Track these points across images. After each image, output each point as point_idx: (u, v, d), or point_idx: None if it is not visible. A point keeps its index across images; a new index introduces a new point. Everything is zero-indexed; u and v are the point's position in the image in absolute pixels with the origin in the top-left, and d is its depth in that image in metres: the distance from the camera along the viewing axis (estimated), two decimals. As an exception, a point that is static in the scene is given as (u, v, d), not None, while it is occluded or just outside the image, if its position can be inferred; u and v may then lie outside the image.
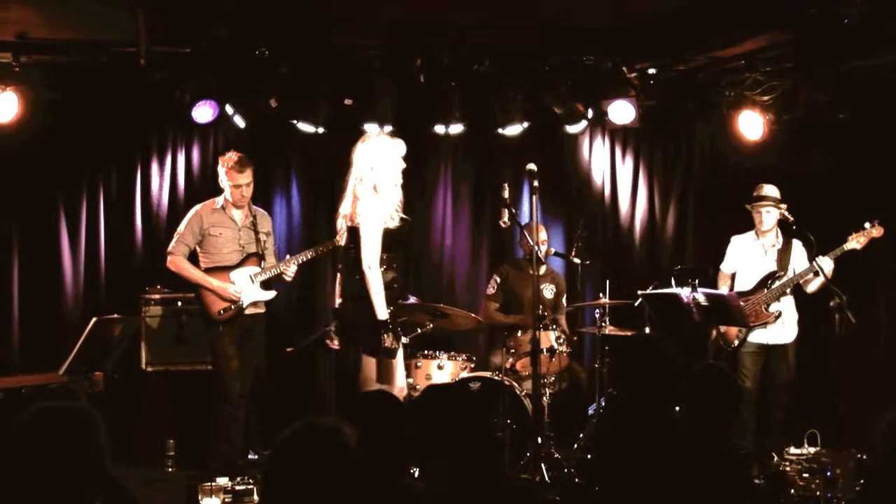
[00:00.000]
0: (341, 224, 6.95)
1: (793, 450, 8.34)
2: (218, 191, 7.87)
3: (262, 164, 8.22)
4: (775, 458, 8.12)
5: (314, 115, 8.53)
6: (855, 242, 7.96)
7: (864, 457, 7.21)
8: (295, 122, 8.57)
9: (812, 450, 8.36)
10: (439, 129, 8.87)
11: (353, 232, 6.78)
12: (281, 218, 9.28)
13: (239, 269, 7.78)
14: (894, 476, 3.38)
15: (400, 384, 6.95)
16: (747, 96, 8.62)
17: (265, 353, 8.23)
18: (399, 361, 6.92)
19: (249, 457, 8.11)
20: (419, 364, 8.11)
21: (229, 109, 8.35)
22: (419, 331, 8.02)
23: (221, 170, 7.77)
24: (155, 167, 9.14)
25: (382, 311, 6.66)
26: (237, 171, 7.69)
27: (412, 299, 8.30)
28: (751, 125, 8.75)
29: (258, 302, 7.86)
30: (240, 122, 8.44)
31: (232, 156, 7.74)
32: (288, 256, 7.99)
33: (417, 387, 7.96)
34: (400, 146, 6.92)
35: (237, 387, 7.68)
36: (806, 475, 7.53)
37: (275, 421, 8.72)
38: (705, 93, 8.95)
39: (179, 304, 8.37)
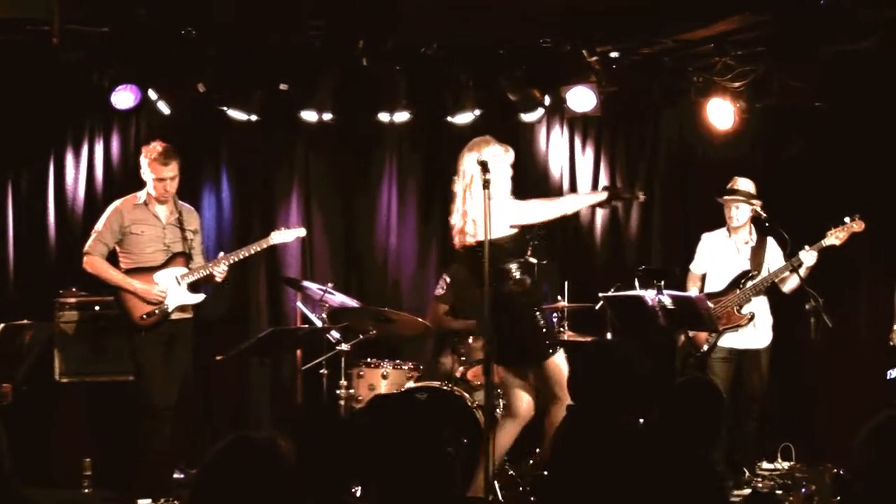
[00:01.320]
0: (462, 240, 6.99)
1: (765, 464, 8.47)
2: (140, 184, 7.82)
3: (188, 155, 8.16)
4: (746, 474, 8.22)
5: (246, 101, 8.52)
6: (834, 238, 8.05)
7: (842, 471, 7.31)
8: (225, 109, 8.54)
9: (786, 464, 8.49)
10: (383, 117, 8.89)
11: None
12: (210, 214, 9.24)
13: (164, 270, 7.73)
14: (873, 492, 3.43)
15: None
16: (717, 82, 8.70)
17: (193, 361, 8.18)
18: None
19: (175, 475, 8.06)
20: (362, 373, 8.10)
21: (152, 95, 8.31)
22: (361, 337, 8.02)
23: (144, 161, 7.72)
24: (70, 158, 9.07)
25: None
26: (161, 162, 7.65)
27: (353, 302, 8.31)
28: (721, 114, 8.83)
29: (185, 306, 7.82)
30: (164, 108, 8.40)
31: (155, 146, 7.69)
32: (220, 254, 7.96)
33: (360, 398, 7.96)
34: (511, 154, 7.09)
35: (161, 399, 7.62)
36: (779, 492, 7.63)
37: (204, 436, 8.69)
38: (672, 79, 9.02)
39: (97, 308, 8.31)
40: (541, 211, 7.05)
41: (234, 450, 3.04)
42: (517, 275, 6.85)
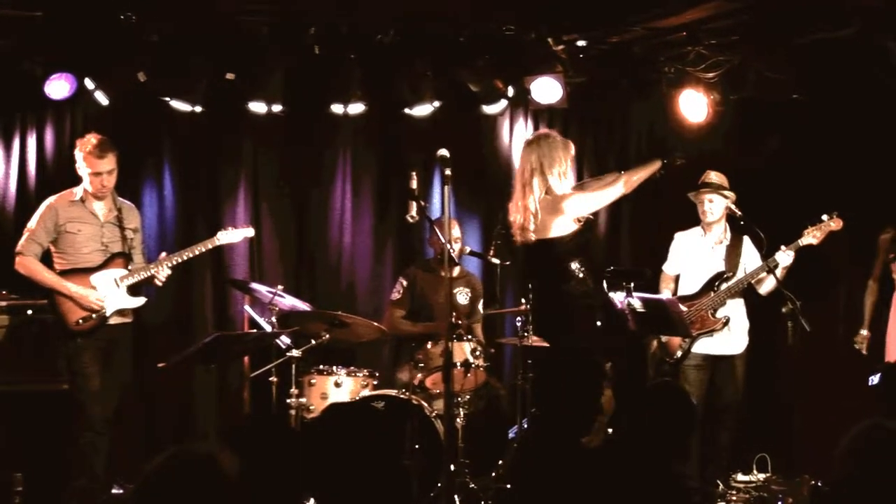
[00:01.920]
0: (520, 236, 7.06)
1: (740, 476, 8.52)
2: (76, 180, 7.77)
3: (128, 148, 8.12)
4: (720, 487, 8.26)
5: (190, 91, 8.48)
6: (811, 237, 8.10)
7: (820, 484, 7.35)
8: (168, 99, 8.50)
9: (761, 476, 8.54)
10: (337, 108, 8.87)
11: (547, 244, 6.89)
12: (151, 212, 9.18)
13: (102, 271, 7.68)
14: (852, 505, 3.45)
15: None
16: (690, 73, 8.74)
17: (133, 369, 8.14)
18: None
19: (113, 491, 8.02)
20: (313, 381, 8.07)
21: (89, 84, 8.26)
22: (313, 342, 8.00)
23: (78, 155, 7.66)
24: (0, 152, 8.99)
25: None
26: (97, 156, 7.59)
27: (305, 306, 8.28)
28: (693, 106, 8.86)
29: (124, 310, 7.77)
30: (102, 98, 8.35)
31: (91, 138, 7.64)
32: (162, 255, 7.92)
33: (311, 407, 7.94)
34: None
35: (99, 410, 7.58)
36: (755, 505, 7.69)
37: (144, 449, 8.64)
38: (642, 69, 9.05)
39: (30, 312, 8.23)
40: (603, 196, 7.14)
41: (171, 464, 3.03)
42: (580, 274, 6.90)
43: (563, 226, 6.91)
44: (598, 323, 6.96)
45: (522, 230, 7.03)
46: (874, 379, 7.77)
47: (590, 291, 6.99)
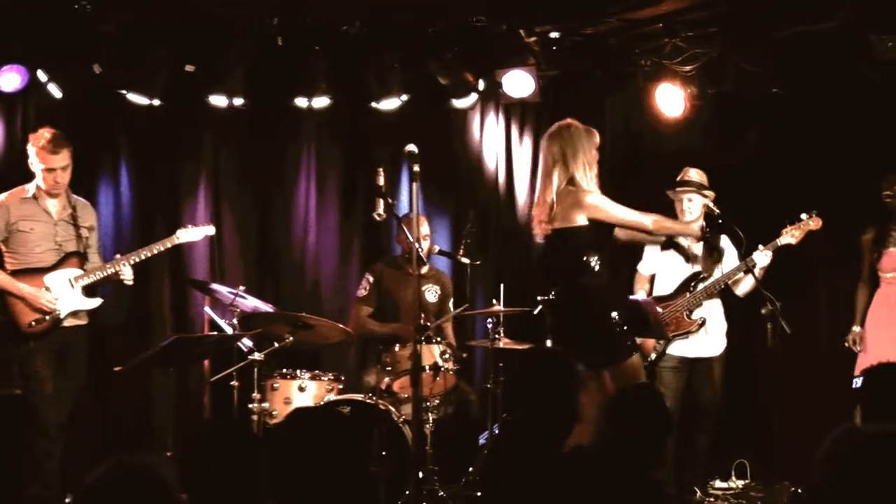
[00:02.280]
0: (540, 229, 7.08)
1: (718, 483, 8.54)
2: (28, 177, 7.73)
3: (83, 143, 8.09)
4: (698, 494, 8.28)
5: (148, 84, 8.46)
6: (790, 236, 8.13)
7: (800, 490, 7.39)
8: (125, 92, 8.46)
9: (740, 483, 8.57)
10: (301, 102, 8.86)
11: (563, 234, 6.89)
12: (108, 210, 9.14)
13: (55, 271, 7.65)
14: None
15: None
16: (666, 66, 8.76)
17: (88, 373, 8.10)
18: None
19: (67, 500, 7.98)
20: (276, 385, 8.06)
21: (42, 76, 8.22)
22: (276, 345, 7.98)
23: (31, 150, 7.64)
24: (-53, 147, 8.95)
25: None
26: (50, 151, 7.57)
27: (267, 307, 8.26)
28: (670, 100, 8.89)
29: (79, 311, 7.74)
30: (55, 91, 8.32)
31: (44, 133, 7.61)
32: (117, 256, 7.88)
33: (274, 412, 7.92)
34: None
35: (53, 415, 7.55)
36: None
37: (100, 457, 8.59)
38: (617, 62, 9.07)
39: (-20, 314, 8.20)
40: (629, 216, 7.10)
41: (110, 476, 3.02)
42: (597, 268, 6.93)
43: (581, 219, 6.93)
44: (616, 319, 6.96)
45: (540, 223, 7.04)
46: (858, 382, 7.81)
47: (605, 287, 7.00)
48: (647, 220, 7.10)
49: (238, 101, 8.71)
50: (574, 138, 7.02)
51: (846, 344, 8.46)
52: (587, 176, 7.01)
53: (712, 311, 8.30)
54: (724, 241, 8.38)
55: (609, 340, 6.92)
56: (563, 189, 6.92)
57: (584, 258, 6.91)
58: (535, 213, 7.11)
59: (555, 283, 7.04)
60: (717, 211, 8.08)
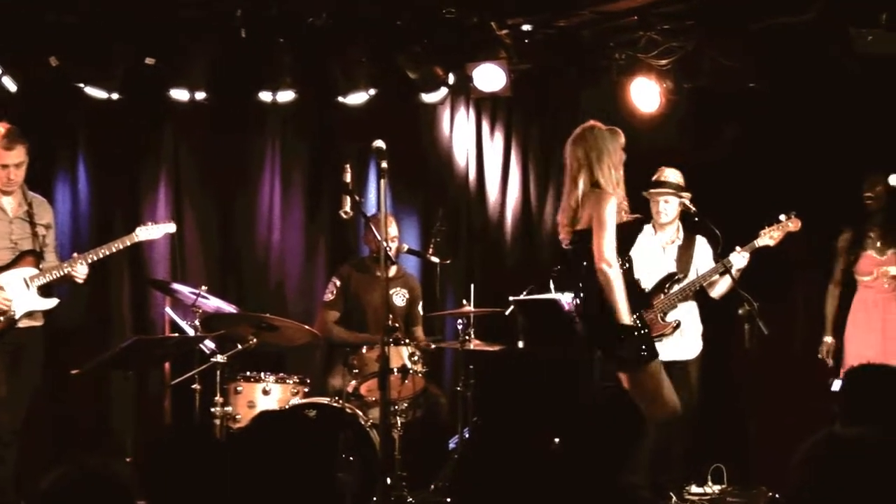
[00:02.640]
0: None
1: (694, 488, 8.57)
2: (-17, 172, 7.71)
3: (39, 138, 8.07)
4: (673, 499, 8.32)
5: (107, 77, 8.43)
6: (768, 238, 8.18)
7: (777, 496, 7.44)
8: (82, 85, 8.44)
9: (717, 488, 8.60)
10: (265, 96, 8.85)
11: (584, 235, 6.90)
12: (65, 207, 9.11)
13: (10, 270, 7.62)
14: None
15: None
16: (641, 60, 8.78)
17: (43, 376, 8.08)
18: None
19: (21, 508, 7.97)
20: (240, 388, 8.05)
21: (-4, 69, 8.20)
22: (240, 347, 7.97)
23: (-15, 146, 7.62)
24: None
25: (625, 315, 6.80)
26: (4, 147, 7.54)
27: (231, 308, 8.26)
28: (645, 95, 8.91)
29: (35, 312, 7.72)
30: (10, 84, 8.28)
31: (-2, 128, 7.60)
32: (75, 255, 7.86)
33: (237, 416, 7.92)
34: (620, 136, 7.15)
35: (6, 419, 7.54)
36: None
37: (56, 463, 8.56)
38: (591, 55, 9.09)
39: (-68, 315, 8.17)
40: (602, 235, 6.86)
41: (65, 480, 3.02)
42: None
43: None
44: (636, 322, 6.96)
45: (563, 228, 7.04)
46: (836, 384, 7.86)
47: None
48: (607, 260, 6.83)
49: (200, 96, 8.69)
50: (598, 140, 7.00)
51: (819, 356, 8.53)
52: (612, 178, 6.99)
53: (687, 314, 8.34)
54: (701, 242, 8.43)
55: (623, 343, 6.95)
56: (588, 192, 6.92)
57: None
58: (560, 219, 7.10)
59: (580, 286, 7.03)
60: (694, 210, 8.12)
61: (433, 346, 8.64)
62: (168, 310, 8.43)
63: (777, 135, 9.03)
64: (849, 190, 8.55)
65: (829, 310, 8.61)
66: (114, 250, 7.91)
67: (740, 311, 7.74)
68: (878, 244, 8.45)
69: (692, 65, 8.71)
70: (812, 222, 8.30)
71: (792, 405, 8.71)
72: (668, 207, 8.35)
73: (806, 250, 8.76)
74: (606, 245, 6.78)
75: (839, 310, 8.60)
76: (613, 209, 6.85)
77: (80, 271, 7.76)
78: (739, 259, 8.08)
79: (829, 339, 8.57)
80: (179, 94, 8.67)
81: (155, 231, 8.13)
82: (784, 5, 8.05)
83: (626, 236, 7.08)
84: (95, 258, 7.83)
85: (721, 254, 8.00)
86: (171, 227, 8.30)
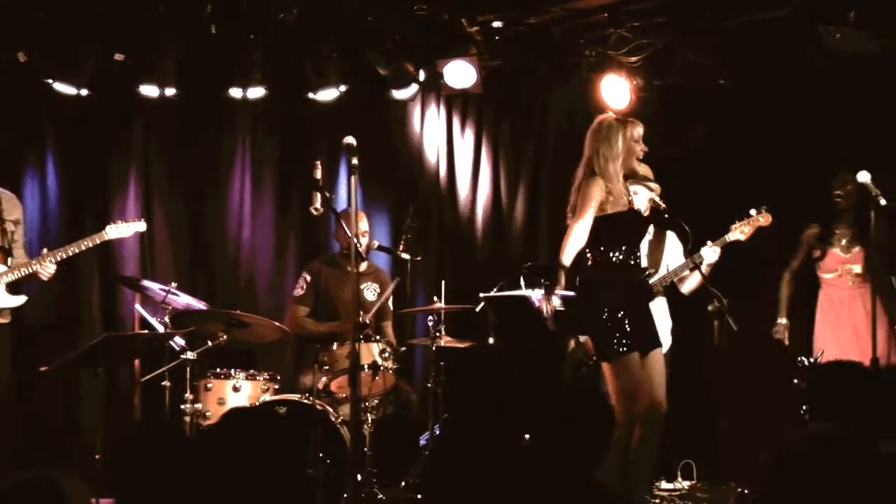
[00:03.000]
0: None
1: (664, 484, 8.58)
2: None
3: (7, 135, 8.04)
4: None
5: (76, 73, 8.39)
6: (738, 232, 8.20)
7: (746, 491, 7.46)
8: (51, 81, 8.40)
9: (686, 483, 8.61)
10: (235, 92, 8.83)
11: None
12: (34, 204, 9.06)
13: (-22, 267, 7.60)
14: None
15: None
16: (612, 57, 8.80)
17: (11, 374, 8.04)
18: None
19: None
20: (210, 385, 8.03)
21: (-38, 64, 8.16)
22: (210, 344, 7.95)
23: (-47, 142, 7.58)
24: None
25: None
26: (-27, 143, 7.52)
27: (201, 304, 8.23)
28: (616, 92, 8.93)
29: (2, 309, 7.69)
30: (-22, 80, 8.25)
31: (-35, 124, 7.57)
32: (44, 251, 7.82)
33: (207, 413, 7.90)
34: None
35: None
36: (679, 514, 7.77)
37: (25, 462, 8.53)
38: (561, 52, 9.10)
39: None
40: (575, 226, 7.02)
41: (10, 495, 3.01)
42: (591, 262, 7.00)
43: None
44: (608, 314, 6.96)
45: (567, 216, 7.10)
46: (804, 360, 7.91)
47: (601, 282, 7.02)
48: (574, 219, 7.02)
49: (170, 92, 8.66)
50: (601, 132, 7.08)
51: (775, 336, 8.59)
52: (609, 169, 7.03)
53: (657, 309, 8.34)
54: (671, 238, 8.44)
55: (598, 336, 6.98)
56: (582, 179, 6.97)
57: (586, 251, 6.97)
58: (568, 214, 7.15)
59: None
60: (664, 205, 8.13)
61: (403, 348, 8.64)
62: (138, 306, 8.39)
63: (748, 131, 9.07)
64: (818, 187, 8.58)
65: (783, 293, 8.67)
66: (83, 248, 7.88)
67: (710, 308, 7.75)
68: (844, 242, 8.50)
69: (662, 62, 8.73)
70: (782, 219, 8.32)
71: (761, 402, 8.74)
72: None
73: (776, 247, 8.79)
74: (580, 217, 6.92)
75: (792, 298, 8.66)
76: (595, 190, 6.94)
77: (48, 269, 7.72)
78: (710, 253, 8.10)
79: (783, 320, 8.63)
80: (149, 91, 8.64)
81: (125, 229, 8.10)
82: (756, 2, 8.07)
83: (604, 230, 7.09)
84: (65, 255, 7.80)
85: (691, 250, 8.02)
86: (142, 226, 8.27)
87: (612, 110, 8.90)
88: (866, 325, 7.96)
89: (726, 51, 8.52)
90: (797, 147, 8.89)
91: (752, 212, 8.20)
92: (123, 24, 8.36)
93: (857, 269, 8.42)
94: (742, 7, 8.17)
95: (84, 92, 8.48)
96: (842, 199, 8.46)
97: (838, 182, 8.45)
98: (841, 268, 8.47)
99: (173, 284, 8.02)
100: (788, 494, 3.44)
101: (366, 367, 7.85)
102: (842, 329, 8.40)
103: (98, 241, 7.95)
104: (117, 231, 8.05)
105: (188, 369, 7.84)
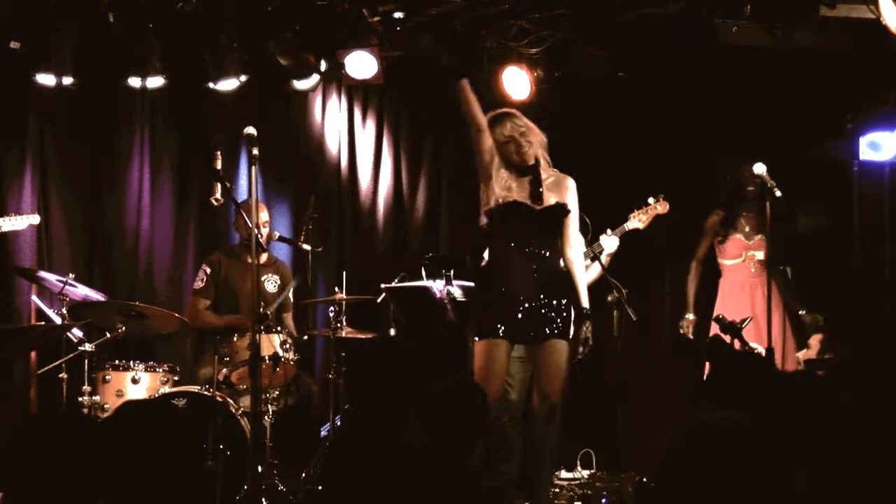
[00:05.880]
0: None
1: (563, 473, 8.64)
2: None
3: None
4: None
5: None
6: (637, 221, 8.28)
7: (645, 479, 7.53)
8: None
9: (586, 473, 8.68)
10: (134, 82, 8.74)
11: None
12: (-77, 195, 8.91)
13: None
14: (675, 501, 3.53)
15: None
16: (512, 48, 8.84)
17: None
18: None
19: None
20: (108, 377, 7.94)
21: None
22: (108, 335, 7.86)
23: None
24: None
25: None
26: None
27: (99, 296, 8.14)
28: (516, 83, 8.97)
29: None
30: None
31: None
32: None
33: (106, 406, 7.82)
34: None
35: None
36: (578, 503, 7.81)
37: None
38: (463, 43, 9.11)
39: None
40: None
41: None
42: (544, 252, 6.99)
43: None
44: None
45: None
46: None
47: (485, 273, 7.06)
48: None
49: (67, 81, 8.53)
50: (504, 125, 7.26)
51: (680, 331, 8.67)
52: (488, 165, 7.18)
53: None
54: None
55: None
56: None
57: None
58: None
59: None
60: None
61: (305, 337, 8.61)
62: (34, 298, 8.30)
63: (645, 121, 9.15)
64: (713, 172, 8.70)
65: (690, 287, 8.76)
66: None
67: (609, 298, 7.82)
68: (747, 229, 8.62)
69: (561, 54, 8.78)
70: (680, 205, 8.42)
71: (659, 391, 8.84)
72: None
73: (674, 234, 8.89)
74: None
75: (699, 288, 8.76)
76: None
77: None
78: (610, 242, 8.16)
79: (690, 315, 8.72)
80: (45, 80, 8.51)
81: (19, 222, 8.01)
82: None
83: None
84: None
85: (590, 241, 8.07)
86: (35, 219, 8.18)
87: (513, 101, 8.97)
88: (764, 312, 8.07)
89: (624, 43, 8.59)
90: (694, 137, 9.01)
91: (650, 200, 8.28)
92: (19, 12, 8.23)
93: (760, 255, 8.55)
94: (637, 1, 8.23)
95: (-24, 82, 8.36)
96: (754, 187, 8.56)
97: (749, 171, 8.55)
98: (745, 254, 8.60)
99: (71, 276, 7.92)
100: (686, 482, 3.47)
101: (266, 358, 7.81)
102: (742, 313, 8.49)
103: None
104: (11, 224, 7.96)
105: (86, 361, 7.74)
